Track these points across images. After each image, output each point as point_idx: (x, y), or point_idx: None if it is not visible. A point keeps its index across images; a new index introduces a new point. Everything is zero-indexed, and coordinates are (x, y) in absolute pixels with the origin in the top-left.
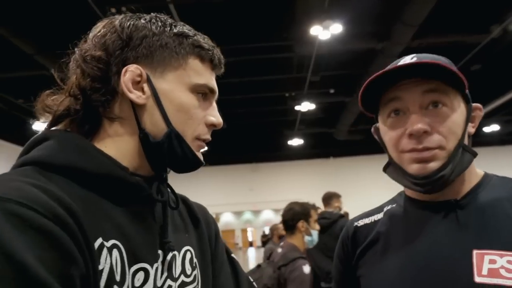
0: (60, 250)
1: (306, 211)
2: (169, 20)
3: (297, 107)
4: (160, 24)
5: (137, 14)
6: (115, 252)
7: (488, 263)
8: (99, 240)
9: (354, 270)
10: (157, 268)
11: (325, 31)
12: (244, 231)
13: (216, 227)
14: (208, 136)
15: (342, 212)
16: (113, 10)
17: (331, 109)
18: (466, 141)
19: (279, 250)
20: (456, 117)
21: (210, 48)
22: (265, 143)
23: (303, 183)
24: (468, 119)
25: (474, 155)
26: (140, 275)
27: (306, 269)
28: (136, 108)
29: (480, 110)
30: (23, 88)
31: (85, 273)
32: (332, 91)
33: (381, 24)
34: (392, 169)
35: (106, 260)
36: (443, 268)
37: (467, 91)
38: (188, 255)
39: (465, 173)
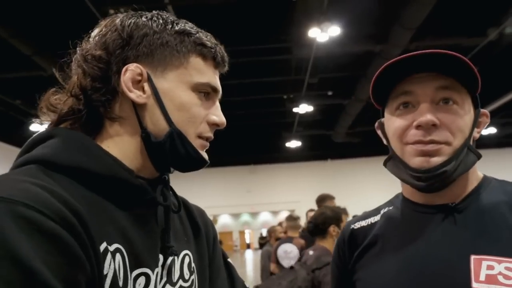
0: (67, 255)
1: (337, 215)
2: (171, 18)
3: (295, 109)
4: (161, 22)
5: (139, 12)
6: (118, 256)
7: (486, 269)
8: (104, 244)
9: (350, 274)
10: (157, 273)
11: (323, 34)
12: (241, 233)
13: (214, 231)
14: (210, 135)
15: None
16: (112, 11)
17: (329, 111)
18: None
19: (311, 252)
20: (465, 116)
21: (213, 46)
22: (263, 145)
23: (301, 185)
24: (476, 122)
25: (479, 156)
26: (141, 280)
27: None
28: (137, 108)
29: (486, 117)
30: (21, 89)
31: (91, 277)
32: (330, 93)
33: (379, 27)
34: (393, 163)
35: (110, 265)
36: (440, 272)
37: (477, 94)
38: (187, 260)
39: (466, 174)
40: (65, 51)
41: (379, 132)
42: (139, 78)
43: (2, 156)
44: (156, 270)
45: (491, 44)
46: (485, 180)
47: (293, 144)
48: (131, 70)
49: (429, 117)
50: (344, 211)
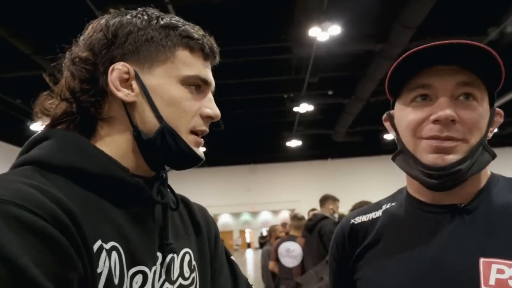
0: (58, 254)
1: None
2: (156, 13)
3: (295, 109)
4: (145, 18)
5: (125, 11)
6: (114, 254)
7: (496, 272)
8: (98, 242)
9: (351, 271)
10: (155, 271)
11: (324, 33)
12: (242, 232)
13: (216, 229)
14: (204, 128)
15: (336, 215)
16: (112, 10)
17: (329, 111)
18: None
19: None
20: (483, 114)
21: (200, 37)
22: (264, 144)
23: (301, 184)
24: (491, 121)
25: (493, 156)
26: (139, 278)
27: None
28: (127, 107)
29: (500, 116)
30: (21, 88)
31: (83, 276)
32: (330, 92)
33: (379, 26)
34: (402, 157)
35: (105, 263)
36: (448, 276)
37: (494, 94)
38: (187, 258)
39: (478, 173)
40: (60, 53)
41: (386, 124)
42: (127, 76)
43: (2, 156)
44: (153, 268)
45: (491, 44)
46: (493, 178)
47: (294, 143)
48: (118, 69)
49: (448, 112)
50: None
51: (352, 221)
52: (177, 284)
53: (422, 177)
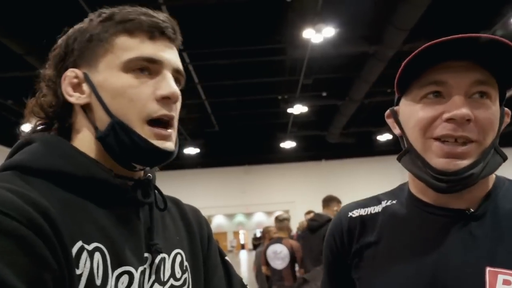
0: (31, 255)
1: None
2: (105, 11)
3: (289, 110)
4: (87, 20)
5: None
6: (97, 255)
7: (502, 283)
8: (79, 244)
9: (348, 267)
10: (143, 272)
11: (318, 35)
12: (236, 233)
13: (209, 229)
14: (164, 112)
15: None
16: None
17: (323, 112)
18: None
19: None
20: (496, 114)
21: (137, 16)
22: (258, 146)
23: (295, 185)
24: (502, 120)
25: (504, 158)
26: (124, 279)
27: None
28: (86, 110)
29: (508, 116)
30: (13, 89)
31: (59, 278)
32: (324, 94)
33: (373, 28)
34: (409, 158)
35: (85, 264)
36: (453, 284)
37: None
38: (179, 258)
39: (487, 177)
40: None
41: (389, 121)
42: (76, 81)
43: None
44: (140, 268)
45: None
46: (498, 181)
47: (288, 144)
48: (67, 76)
49: (465, 111)
50: None
51: (350, 214)
52: (168, 285)
53: (431, 180)
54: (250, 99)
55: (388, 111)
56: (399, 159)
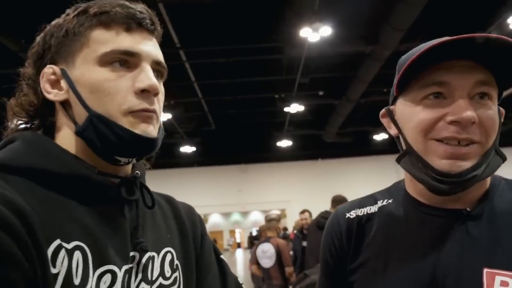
0: (1, 254)
1: None
2: (82, 4)
3: (286, 109)
4: (64, 14)
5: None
6: (77, 254)
7: (499, 285)
8: (56, 242)
9: (347, 270)
10: (128, 271)
11: (315, 34)
12: (232, 232)
13: (202, 227)
14: (144, 106)
15: None
16: None
17: (320, 111)
18: None
19: None
20: (497, 114)
21: (113, 8)
22: (254, 144)
23: (291, 184)
24: (500, 121)
25: (504, 159)
26: (107, 278)
27: None
28: (66, 106)
29: (502, 115)
30: (7, 85)
31: (32, 277)
32: (321, 93)
33: (369, 28)
34: (409, 160)
35: (63, 263)
36: (451, 285)
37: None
38: (169, 257)
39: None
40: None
41: (384, 120)
42: (54, 77)
43: None
44: (125, 267)
45: None
46: (494, 181)
47: (284, 143)
48: (45, 72)
49: (470, 113)
50: None
51: (348, 215)
52: (156, 284)
53: (432, 182)
54: (247, 97)
55: (383, 110)
56: (398, 161)
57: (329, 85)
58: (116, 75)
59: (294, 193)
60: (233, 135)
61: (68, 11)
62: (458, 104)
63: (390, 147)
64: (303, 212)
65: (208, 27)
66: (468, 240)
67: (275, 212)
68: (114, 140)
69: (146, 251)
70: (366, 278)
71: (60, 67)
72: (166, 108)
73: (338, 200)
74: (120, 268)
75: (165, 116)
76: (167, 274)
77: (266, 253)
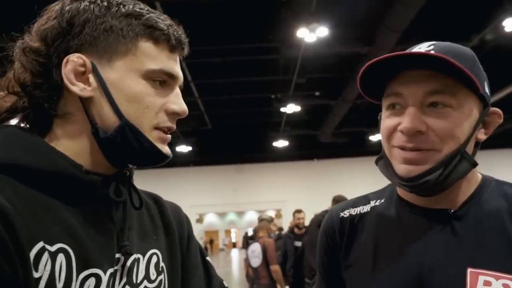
0: None
1: None
2: (127, 4)
3: (282, 109)
4: (105, 4)
5: None
6: (60, 257)
7: (482, 284)
8: (39, 245)
9: (340, 268)
10: (113, 274)
11: (311, 34)
12: (227, 232)
13: (189, 228)
14: (170, 124)
15: None
16: None
17: (316, 112)
18: (471, 148)
19: None
20: (461, 120)
21: (166, 27)
22: (250, 144)
23: (287, 184)
24: (478, 123)
25: (474, 164)
26: (91, 282)
27: None
28: (84, 102)
29: (498, 117)
30: None
31: (13, 281)
32: (317, 93)
33: (366, 29)
34: (383, 163)
35: (45, 266)
36: (436, 285)
37: (485, 92)
38: (154, 259)
39: (461, 181)
40: (13, 40)
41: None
42: (82, 69)
43: None
44: (110, 270)
45: (473, 49)
46: (485, 182)
47: (280, 143)
48: (73, 61)
49: (409, 125)
50: None
51: (341, 214)
52: (141, 287)
53: (399, 186)
54: (243, 97)
55: (379, 116)
56: (376, 163)
57: (326, 86)
58: (155, 92)
59: (290, 193)
60: (229, 135)
61: (101, 2)
62: (406, 114)
63: None
64: (299, 211)
65: (205, 27)
66: (453, 240)
67: (271, 213)
68: (137, 151)
69: (131, 255)
70: (356, 276)
71: (90, 60)
72: None
73: (339, 200)
74: (105, 272)
75: None
76: (152, 277)
77: (254, 252)
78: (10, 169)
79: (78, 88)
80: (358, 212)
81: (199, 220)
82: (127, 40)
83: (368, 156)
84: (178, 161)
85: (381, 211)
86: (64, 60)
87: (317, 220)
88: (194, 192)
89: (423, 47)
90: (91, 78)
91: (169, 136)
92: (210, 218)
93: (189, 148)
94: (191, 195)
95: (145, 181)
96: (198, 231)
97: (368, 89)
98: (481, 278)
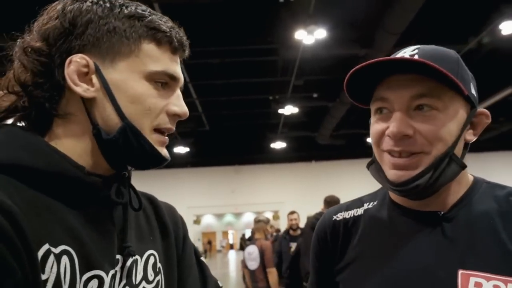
0: None
1: None
2: (120, 1)
3: (280, 111)
4: (107, 5)
5: None
6: (64, 259)
7: (473, 286)
8: (45, 247)
9: (333, 272)
10: (114, 275)
11: (310, 36)
12: (225, 233)
13: (184, 229)
14: (170, 126)
15: None
16: None
17: (314, 113)
18: (460, 149)
19: None
20: (448, 122)
21: (168, 29)
22: (248, 146)
23: (285, 186)
24: (466, 125)
25: (463, 167)
26: (94, 283)
27: None
28: (86, 103)
29: (486, 117)
30: None
31: (23, 284)
32: (315, 95)
33: (364, 31)
34: (374, 168)
35: (52, 268)
36: (426, 287)
37: (472, 94)
38: (152, 260)
39: (451, 183)
40: (14, 39)
41: None
42: (85, 70)
43: None
44: (111, 272)
45: (471, 52)
46: (476, 184)
47: (278, 145)
48: (76, 61)
49: (396, 129)
50: None
51: (334, 217)
52: (140, 287)
53: (391, 190)
54: (241, 99)
55: (370, 120)
56: (368, 167)
57: (323, 88)
58: (157, 93)
59: (288, 195)
60: (227, 136)
61: (104, 3)
62: (393, 119)
63: None
64: (292, 213)
65: (203, 28)
66: (443, 242)
67: (268, 214)
68: (137, 153)
69: (133, 256)
70: (349, 279)
71: (94, 61)
72: None
73: (329, 201)
74: (107, 273)
75: None
76: (150, 278)
77: (252, 255)
78: (11, 169)
79: (81, 88)
80: (352, 215)
81: (197, 222)
82: (130, 42)
83: (366, 158)
84: (176, 162)
85: (373, 214)
86: (67, 61)
87: (310, 222)
88: (191, 193)
89: (407, 52)
90: (94, 79)
91: (167, 139)
92: (208, 220)
93: (187, 149)
94: (189, 196)
95: (142, 182)
96: (195, 233)
97: (357, 94)
98: (472, 280)
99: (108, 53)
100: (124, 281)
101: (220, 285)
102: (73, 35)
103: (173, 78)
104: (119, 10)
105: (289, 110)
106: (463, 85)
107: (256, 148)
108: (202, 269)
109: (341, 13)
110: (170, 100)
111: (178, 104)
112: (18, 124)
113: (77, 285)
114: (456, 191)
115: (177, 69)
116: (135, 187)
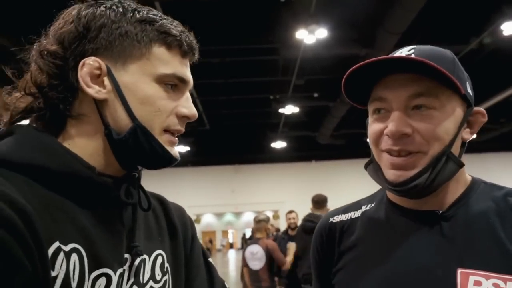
0: (3, 256)
1: None
2: (133, 5)
3: (281, 110)
4: (120, 10)
5: (100, 1)
6: (74, 256)
7: (473, 284)
8: (56, 244)
9: (331, 275)
10: (122, 274)
11: (311, 36)
12: (225, 232)
13: (193, 230)
14: (179, 127)
15: None
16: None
17: (314, 113)
18: (458, 148)
19: None
20: (445, 121)
21: (178, 33)
22: (248, 145)
23: (285, 185)
24: (462, 124)
25: (460, 165)
26: (102, 281)
27: None
28: (98, 104)
29: (482, 116)
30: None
31: (33, 280)
32: (316, 95)
33: (365, 31)
34: (372, 168)
35: (61, 265)
36: (425, 286)
37: (468, 92)
38: (159, 260)
39: (451, 181)
40: (31, 43)
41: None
42: (98, 72)
43: None
44: (119, 271)
45: (472, 52)
46: (474, 184)
47: (278, 144)
48: (89, 64)
49: (395, 128)
50: None
51: (331, 219)
52: (147, 287)
53: (389, 190)
54: (242, 98)
55: (367, 121)
56: (365, 167)
57: (324, 87)
58: (167, 95)
59: (288, 194)
60: (227, 136)
61: (119, 7)
62: (392, 118)
63: None
64: (290, 212)
65: (204, 27)
66: (442, 241)
67: (268, 214)
68: (148, 153)
69: (141, 255)
70: (346, 280)
71: (106, 64)
72: None
73: (317, 200)
74: (115, 272)
75: None
76: (158, 277)
77: (256, 255)
78: (26, 168)
79: (93, 90)
80: (349, 218)
81: (197, 221)
82: (141, 45)
83: (366, 158)
84: None
85: (370, 215)
86: (81, 63)
87: (301, 226)
88: (191, 192)
89: (404, 52)
90: (106, 81)
91: (177, 139)
92: (208, 219)
93: (187, 148)
94: (189, 196)
95: (143, 181)
96: None
97: (355, 95)
98: (472, 278)
99: (120, 56)
100: (131, 280)
101: (227, 286)
102: (87, 38)
103: (182, 80)
104: (131, 14)
105: (289, 109)
106: (460, 84)
107: (257, 148)
108: (210, 270)
109: (342, 12)
110: (179, 102)
111: (187, 106)
112: (34, 125)
113: (86, 282)
114: (454, 190)
115: (186, 72)
116: (144, 188)
